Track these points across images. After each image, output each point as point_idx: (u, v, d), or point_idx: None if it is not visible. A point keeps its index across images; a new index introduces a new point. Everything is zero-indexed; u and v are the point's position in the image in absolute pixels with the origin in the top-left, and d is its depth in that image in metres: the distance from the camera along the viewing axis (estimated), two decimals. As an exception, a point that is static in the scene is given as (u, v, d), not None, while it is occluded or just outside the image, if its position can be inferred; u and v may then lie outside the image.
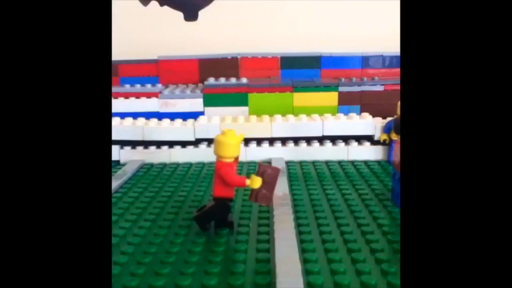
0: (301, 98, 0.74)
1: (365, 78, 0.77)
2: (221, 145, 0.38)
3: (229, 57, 0.82)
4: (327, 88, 0.74)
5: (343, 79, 0.76)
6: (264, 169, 0.38)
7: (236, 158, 0.40)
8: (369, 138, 0.66)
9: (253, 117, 0.67)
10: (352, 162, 0.63)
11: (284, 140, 0.67)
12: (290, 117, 0.67)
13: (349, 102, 0.74)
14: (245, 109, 0.73)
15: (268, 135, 0.66)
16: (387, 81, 0.74)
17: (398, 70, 0.82)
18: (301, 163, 0.63)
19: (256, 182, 0.38)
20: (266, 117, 0.67)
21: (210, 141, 0.65)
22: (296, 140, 0.67)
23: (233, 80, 0.76)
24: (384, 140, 0.64)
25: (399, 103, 0.62)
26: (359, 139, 0.67)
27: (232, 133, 0.39)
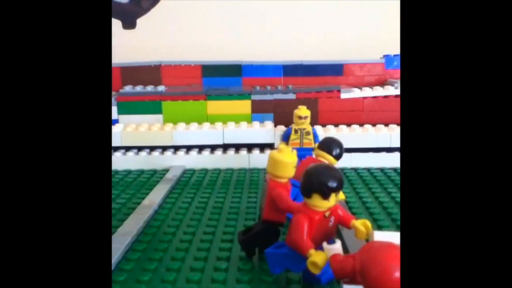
0: (214, 106, 0.74)
1: (279, 87, 0.77)
2: (277, 163, 0.34)
3: (152, 65, 0.83)
4: (240, 96, 0.75)
5: (258, 87, 0.77)
6: None
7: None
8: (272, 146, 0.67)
9: (156, 126, 0.67)
10: (251, 170, 0.64)
11: (189, 148, 0.68)
12: (193, 125, 0.68)
13: (263, 110, 0.75)
14: (159, 117, 0.74)
15: (170, 143, 0.66)
16: (300, 90, 0.75)
17: (318, 78, 0.83)
18: (200, 171, 0.63)
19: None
20: (168, 125, 0.67)
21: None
22: (202, 148, 0.68)
23: (149, 88, 0.77)
24: (283, 148, 0.64)
25: (295, 111, 0.63)
26: (263, 147, 0.67)
27: (288, 150, 0.35)
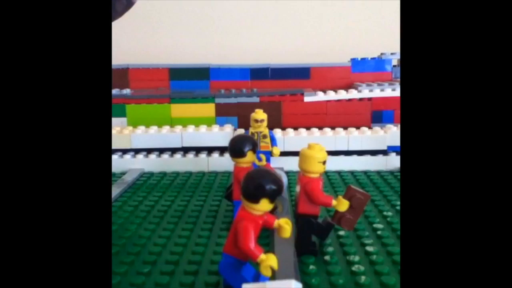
0: (179, 109, 0.75)
1: (244, 90, 0.77)
2: (306, 159, 0.37)
3: (120, 68, 0.83)
4: (204, 99, 0.75)
5: (222, 91, 0.77)
6: (353, 193, 0.36)
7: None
8: (233, 149, 0.67)
9: (115, 129, 0.67)
10: (210, 173, 0.64)
11: (150, 151, 0.67)
12: (153, 128, 0.68)
13: (227, 114, 0.75)
14: (124, 119, 0.74)
15: (128, 147, 0.66)
16: (263, 93, 0.75)
17: (285, 81, 0.83)
18: (157, 174, 0.63)
19: (343, 205, 0.36)
20: (127, 129, 0.67)
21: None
22: (163, 151, 0.68)
23: (113, 91, 0.77)
24: (241, 151, 0.64)
25: (252, 114, 0.63)
26: (223, 150, 0.67)
27: (318, 147, 0.37)
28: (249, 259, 0.30)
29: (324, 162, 0.37)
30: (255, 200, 0.29)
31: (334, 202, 0.36)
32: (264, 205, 0.30)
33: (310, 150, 0.37)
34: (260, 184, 0.29)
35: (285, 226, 0.30)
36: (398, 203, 0.50)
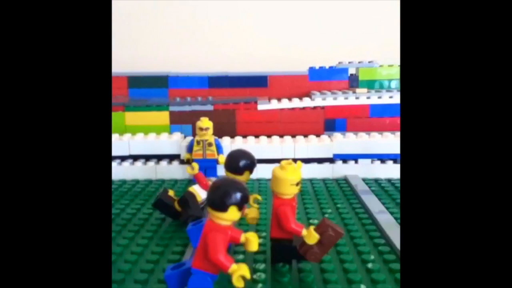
0: (133, 117, 0.75)
1: (199, 98, 0.78)
2: (278, 181, 0.34)
3: (78, 77, 0.83)
4: (158, 107, 0.75)
5: (178, 99, 0.78)
6: (325, 229, 0.33)
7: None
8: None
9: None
10: (156, 181, 0.64)
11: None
12: (102, 136, 0.68)
13: (181, 122, 0.75)
14: (78, 128, 0.74)
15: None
16: (218, 101, 0.75)
17: (243, 89, 0.83)
18: (104, 182, 0.63)
19: (312, 238, 0.33)
20: (76, 136, 0.67)
21: None
22: (112, 159, 0.68)
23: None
24: (188, 160, 0.64)
25: (197, 123, 0.63)
26: (172, 158, 0.67)
27: (291, 167, 0.34)
28: (220, 271, 0.29)
29: (297, 184, 0.34)
30: (223, 208, 0.29)
31: (304, 232, 0.33)
32: (233, 213, 0.29)
33: (282, 171, 0.34)
34: (227, 191, 0.29)
35: (252, 239, 0.30)
36: (329, 211, 0.50)
